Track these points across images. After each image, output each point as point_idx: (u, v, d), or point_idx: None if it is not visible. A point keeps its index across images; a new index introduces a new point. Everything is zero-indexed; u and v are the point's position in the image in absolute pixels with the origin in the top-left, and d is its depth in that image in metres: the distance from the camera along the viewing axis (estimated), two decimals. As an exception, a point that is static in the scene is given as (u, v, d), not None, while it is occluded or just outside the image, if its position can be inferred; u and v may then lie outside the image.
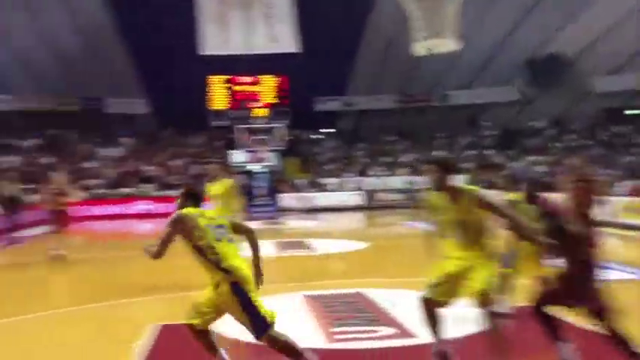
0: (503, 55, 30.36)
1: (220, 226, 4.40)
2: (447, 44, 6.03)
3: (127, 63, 32.50)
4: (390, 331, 6.30)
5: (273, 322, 4.25)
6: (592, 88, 29.52)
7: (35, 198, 21.65)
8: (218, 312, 4.36)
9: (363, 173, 31.15)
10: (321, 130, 37.04)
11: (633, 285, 8.80)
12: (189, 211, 4.36)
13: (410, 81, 33.43)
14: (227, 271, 4.18)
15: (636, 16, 24.43)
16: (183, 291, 8.61)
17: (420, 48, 6.48)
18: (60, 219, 12.02)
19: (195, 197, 4.59)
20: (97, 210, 25.45)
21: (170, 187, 28.05)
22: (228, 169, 8.75)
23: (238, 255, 4.37)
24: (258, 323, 4.20)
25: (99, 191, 26.64)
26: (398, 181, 29.49)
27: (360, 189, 29.17)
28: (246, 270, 4.28)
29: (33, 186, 24.44)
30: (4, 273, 11.97)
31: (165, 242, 4.22)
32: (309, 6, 29.68)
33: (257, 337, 4.26)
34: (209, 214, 4.48)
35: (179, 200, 4.54)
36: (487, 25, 27.79)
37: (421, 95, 34.78)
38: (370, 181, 29.90)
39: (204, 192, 4.67)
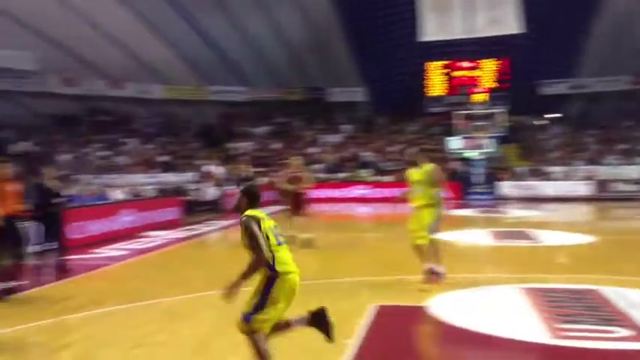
0: None
1: (276, 229, 4.41)
2: None
3: (348, 53, 33.88)
4: (629, 333, 5.71)
5: (260, 328, 4.21)
6: None
7: (264, 180, 23.68)
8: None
9: (594, 161, 28.46)
10: (545, 116, 34.67)
11: None
12: (255, 213, 4.35)
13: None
14: (279, 274, 4.25)
15: None
16: (398, 274, 8.75)
17: None
18: (298, 202, 12.15)
19: (254, 198, 4.47)
20: (320, 193, 27.04)
21: (385, 172, 28.67)
22: (428, 154, 8.37)
23: (292, 262, 4.40)
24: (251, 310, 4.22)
25: (320, 175, 28.26)
26: (636, 170, 26.43)
27: (590, 178, 26.70)
28: (295, 279, 4.32)
29: (263, 169, 26.87)
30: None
31: (261, 243, 4.19)
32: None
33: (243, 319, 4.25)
34: (266, 216, 4.43)
35: (239, 200, 4.48)
36: None
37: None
38: (602, 170, 27.19)
39: (260, 193, 4.49)
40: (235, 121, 36.46)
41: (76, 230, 12.10)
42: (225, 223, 17.98)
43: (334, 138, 33.71)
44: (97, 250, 11.95)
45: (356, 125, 35.35)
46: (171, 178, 27.58)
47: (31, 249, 10.56)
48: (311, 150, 31.89)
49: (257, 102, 36.24)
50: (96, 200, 17.35)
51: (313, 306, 4.62)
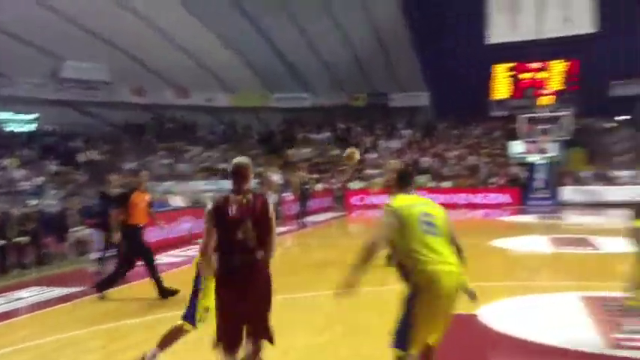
0: None
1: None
2: None
3: (413, 57, 33.78)
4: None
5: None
6: None
7: (320, 186, 23.87)
8: None
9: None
10: (616, 118, 33.40)
11: None
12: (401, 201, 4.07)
13: None
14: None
15: None
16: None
17: None
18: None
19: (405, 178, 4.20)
20: (377, 199, 27.09)
21: (444, 178, 28.42)
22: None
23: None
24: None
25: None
26: None
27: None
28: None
29: (321, 175, 27.12)
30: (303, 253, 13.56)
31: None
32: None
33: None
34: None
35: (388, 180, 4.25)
36: None
37: None
38: (673, 176, 26.03)
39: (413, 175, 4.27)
40: (297, 127, 37.03)
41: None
42: (282, 229, 18.32)
43: (395, 143, 33.69)
44: (156, 257, 12.31)
45: (417, 130, 35.21)
46: (230, 185, 28.06)
47: (94, 255, 11.18)
48: (370, 156, 32.00)
49: (319, 108, 36.67)
50: (157, 207, 18.02)
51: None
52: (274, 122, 37.50)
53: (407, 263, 3.85)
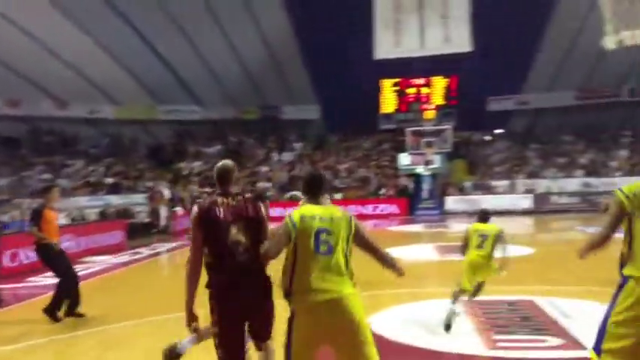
0: None
1: None
2: (638, 37, 5.52)
3: (304, 71, 34.15)
4: (559, 341, 6.01)
5: None
6: None
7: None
8: None
9: (534, 175, 29.50)
10: (494, 131, 35.72)
11: None
12: None
13: (593, 76, 30.96)
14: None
15: None
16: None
17: (611, 41, 6.01)
18: None
19: None
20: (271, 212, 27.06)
21: (336, 190, 28.94)
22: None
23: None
24: None
25: (270, 194, 28.28)
26: (574, 183, 27.49)
27: (530, 192, 27.66)
28: None
29: (213, 189, 26.63)
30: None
31: None
32: (487, 4, 28.85)
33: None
34: None
35: None
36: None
37: (605, 90, 32.02)
38: (543, 184, 28.20)
39: None
40: (187, 140, 36.22)
41: (10, 258, 11.75)
42: (173, 245, 17.77)
43: (287, 156, 33.87)
44: (32, 279, 11.46)
45: (309, 143, 35.63)
46: (117, 200, 27.02)
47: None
48: (262, 169, 31.94)
49: (210, 121, 36.11)
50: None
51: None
52: (163, 135, 36.45)
53: (288, 280, 3.69)
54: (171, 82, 33.13)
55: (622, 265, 3.63)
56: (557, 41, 28.73)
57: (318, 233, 3.67)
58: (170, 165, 32.68)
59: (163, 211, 22.47)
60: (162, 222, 21.48)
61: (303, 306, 3.60)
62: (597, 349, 3.53)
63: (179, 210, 21.85)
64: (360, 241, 3.86)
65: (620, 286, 3.57)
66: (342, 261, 3.69)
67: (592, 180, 26.61)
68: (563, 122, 34.48)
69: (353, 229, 3.79)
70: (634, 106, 32.36)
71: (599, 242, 3.78)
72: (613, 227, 3.71)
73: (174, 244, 17.66)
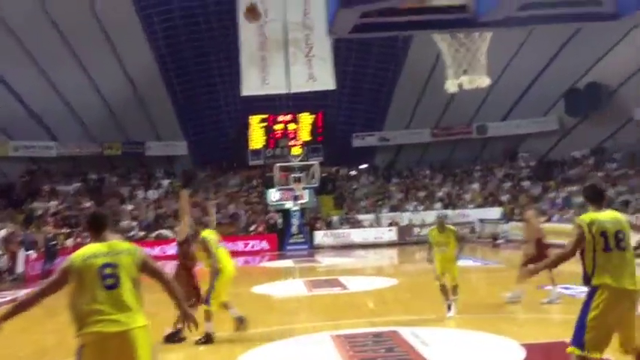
0: (542, 86, 30.06)
1: None
2: (477, 81, 6.10)
3: (169, 106, 33.41)
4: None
5: None
6: (634, 116, 28.92)
7: (70, 242, 22.11)
8: None
9: (398, 208, 30.95)
10: (360, 167, 37.12)
11: None
12: None
13: (447, 114, 33.34)
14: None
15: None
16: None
17: (452, 85, 6.57)
18: None
19: None
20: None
21: (207, 226, 28.34)
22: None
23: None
24: None
25: (136, 233, 27.09)
26: (433, 215, 29.12)
27: (395, 224, 28.94)
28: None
29: (70, 230, 25.03)
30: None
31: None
32: (348, 45, 30.22)
33: None
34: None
35: None
36: (525, 57, 27.63)
37: (459, 128, 34.59)
38: (405, 216, 29.65)
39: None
40: (42, 178, 33.76)
41: None
42: (23, 292, 16.28)
43: (153, 193, 32.72)
44: None
45: (176, 179, 34.71)
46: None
47: None
48: (126, 207, 30.55)
49: (68, 157, 33.99)
50: None
51: None
52: (15, 173, 33.69)
53: (76, 314, 3.75)
54: (24, 117, 30.82)
55: (588, 277, 4.59)
56: (412, 83, 30.66)
57: (102, 268, 3.74)
58: (22, 205, 30.20)
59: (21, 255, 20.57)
60: (20, 268, 19.72)
61: (90, 338, 3.64)
62: (579, 342, 4.47)
63: (33, 253, 20.15)
64: (149, 272, 3.98)
65: (592, 293, 4.54)
66: (130, 293, 3.77)
67: (449, 212, 28.39)
68: (421, 158, 36.66)
69: (139, 260, 3.90)
70: (482, 142, 35.25)
71: (564, 259, 4.79)
72: (577, 248, 4.65)
73: (25, 291, 16.20)
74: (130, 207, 30.34)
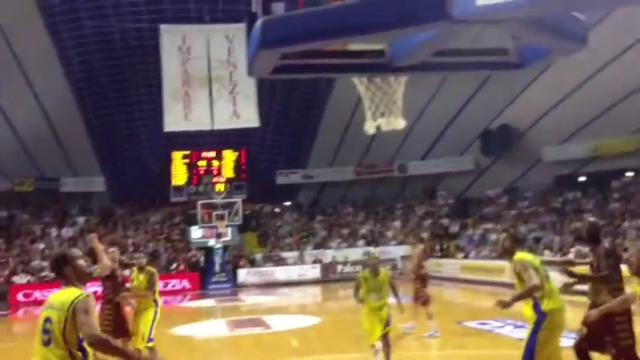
0: (458, 127, 31.33)
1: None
2: (393, 123, 6.39)
3: (86, 141, 32.29)
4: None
5: None
6: (542, 157, 30.59)
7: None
8: None
9: (321, 245, 31.08)
10: (284, 204, 37.11)
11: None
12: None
13: (370, 153, 34.08)
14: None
15: (580, 91, 25.73)
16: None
17: (370, 126, 6.86)
18: None
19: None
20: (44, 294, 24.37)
21: (125, 266, 27.35)
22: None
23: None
24: None
25: (48, 274, 25.73)
26: (357, 252, 29.48)
27: (319, 261, 29.01)
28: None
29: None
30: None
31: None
32: (273, 83, 30.46)
33: None
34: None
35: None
36: (442, 99, 28.80)
37: (380, 167, 35.36)
38: (329, 254, 29.81)
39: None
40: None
41: None
42: None
43: (67, 231, 31.28)
44: None
45: (93, 216, 33.39)
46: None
47: None
48: (38, 245, 29.04)
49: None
50: None
51: None
52: None
53: None
54: None
55: (537, 304, 5.17)
56: (336, 121, 31.22)
57: (44, 322, 3.52)
58: None
59: None
60: None
61: None
62: None
63: None
64: (80, 328, 3.51)
65: (540, 320, 5.11)
66: (60, 353, 3.47)
67: (372, 249, 28.78)
68: (345, 195, 37.16)
69: (64, 318, 3.50)
70: (403, 180, 36.20)
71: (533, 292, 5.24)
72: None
73: None
74: (41, 246, 28.86)
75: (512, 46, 5.35)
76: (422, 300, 10.45)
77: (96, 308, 3.62)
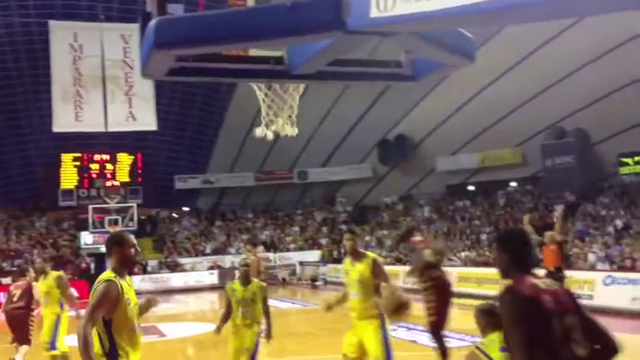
0: (357, 135, 32.10)
1: None
2: (288, 130, 6.43)
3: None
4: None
5: None
6: (435, 166, 31.96)
7: None
8: None
9: (220, 251, 30.69)
10: (182, 209, 36.25)
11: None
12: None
13: (270, 159, 34.12)
14: None
15: (469, 105, 27.18)
16: None
17: (265, 132, 6.85)
18: None
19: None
20: None
21: (6, 274, 25.61)
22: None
23: None
24: None
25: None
26: (257, 258, 29.32)
27: (218, 267, 28.62)
28: None
29: None
30: None
31: None
32: (172, 86, 29.69)
33: None
34: None
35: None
36: (342, 108, 29.34)
37: (280, 173, 35.52)
38: (227, 259, 29.48)
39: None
40: None
41: None
42: None
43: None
44: None
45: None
46: None
47: None
48: None
49: None
50: None
51: None
52: None
53: None
54: None
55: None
56: (236, 126, 30.99)
57: None
58: None
59: None
60: None
61: None
62: None
63: None
64: None
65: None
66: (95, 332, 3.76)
67: (271, 255, 28.74)
68: (245, 201, 36.96)
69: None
70: (303, 187, 36.55)
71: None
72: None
73: None
74: None
75: (405, 59, 5.55)
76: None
77: (109, 293, 3.84)
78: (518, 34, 20.56)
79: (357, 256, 5.98)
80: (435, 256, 7.56)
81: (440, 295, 7.22)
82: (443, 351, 7.19)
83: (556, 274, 9.70)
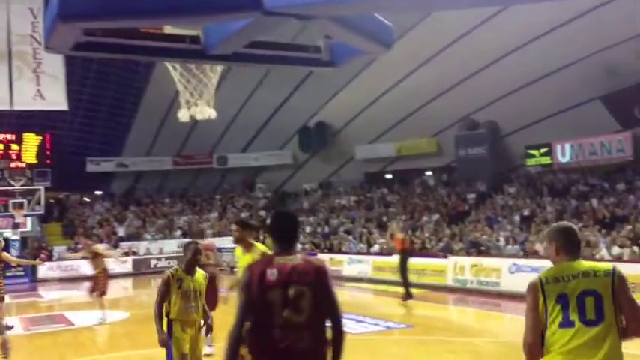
0: (278, 122, 31.88)
1: None
2: (206, 112, 6.27)
3: None
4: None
5: None
6: (354, 155, 32.34)
7: None
8: None
9: (135, 237, 29.80)
10: (95, 193, 34.78)
11: (382, 337, 9.53)
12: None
13: (189, 143, 33.36)
14: None
15: (387, 95, 27.61)
16: None
17: (183, 115, 6.65)
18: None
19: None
20: None
21: None
22: None
23: None
24: None
25: None
26: (173, 244, 28.71)
27: (133, 253, 27.79)
28: None
29: None
30: None
31: None
32: (85, 65, 28.25)
33: None
34: None
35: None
36: (263, 93, 29.01)
37: (199, 157, 34.80)
38: (143, 245, 28.69)
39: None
40: None
41: None
42: None
43: None
44: None
45: None
46: None
47: None
48: None
49: None
50: None
51: None
52: None
53: None
54: None
55: None
56: (154, 109, 30.07)
57: None
58: None
59: None
60: None
61: None
62: None
63: None
64: None
65: None
66: None
67: (188, 240, 28.25)
68: (162, 185, 36.02)
69: None
70: (222, 172, 36.05)
71: None
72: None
73: None
74: None
75: (324, 45, 5.54)
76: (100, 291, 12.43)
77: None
78: (437, 25, 21.07)
79: (247, 246, 5.99)
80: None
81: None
82: None
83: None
